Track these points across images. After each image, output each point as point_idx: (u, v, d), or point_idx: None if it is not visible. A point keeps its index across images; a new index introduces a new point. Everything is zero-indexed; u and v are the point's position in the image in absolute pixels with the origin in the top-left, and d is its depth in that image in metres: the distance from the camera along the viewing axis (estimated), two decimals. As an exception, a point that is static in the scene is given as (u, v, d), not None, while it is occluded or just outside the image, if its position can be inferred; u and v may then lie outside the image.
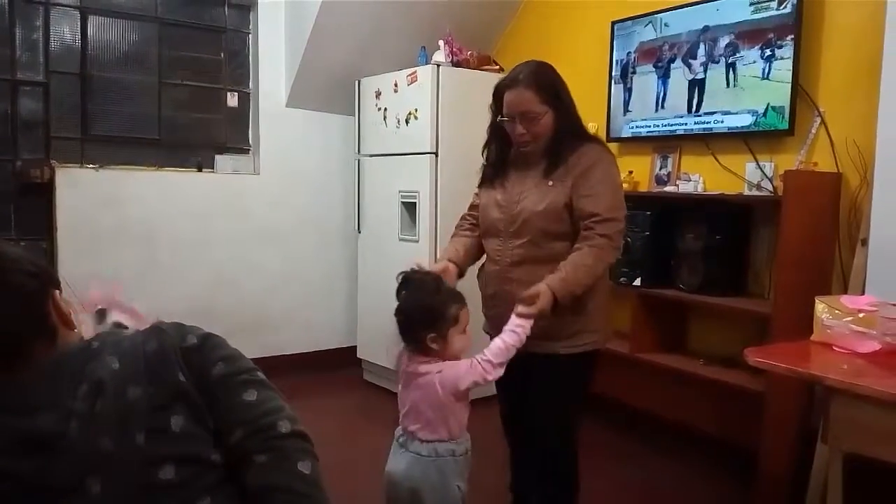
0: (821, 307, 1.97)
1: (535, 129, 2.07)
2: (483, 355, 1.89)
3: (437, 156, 3.72)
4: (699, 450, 3.19)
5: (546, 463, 2.19)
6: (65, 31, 3.81)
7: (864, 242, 2.52)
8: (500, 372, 1.90)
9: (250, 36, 4.37)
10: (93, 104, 3.90)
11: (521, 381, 2.11)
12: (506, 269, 2.10)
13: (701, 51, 3.16)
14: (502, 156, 2.20)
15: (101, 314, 1.61)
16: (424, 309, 1.89)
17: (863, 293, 2.35)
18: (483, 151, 2.27)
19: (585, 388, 2.19)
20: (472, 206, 2.32)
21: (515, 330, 1.90)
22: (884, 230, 2.39)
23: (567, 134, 2.10)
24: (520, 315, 1.91)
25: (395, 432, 1.99)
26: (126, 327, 1.35)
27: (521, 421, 2.24)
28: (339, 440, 3.23)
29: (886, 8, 2.40)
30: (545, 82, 2.10)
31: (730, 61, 3.04)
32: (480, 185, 2.26)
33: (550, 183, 2.07)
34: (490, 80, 3.96)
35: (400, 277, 1.97)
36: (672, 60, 3.30)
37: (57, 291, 1.09)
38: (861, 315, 1.88)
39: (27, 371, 1.01)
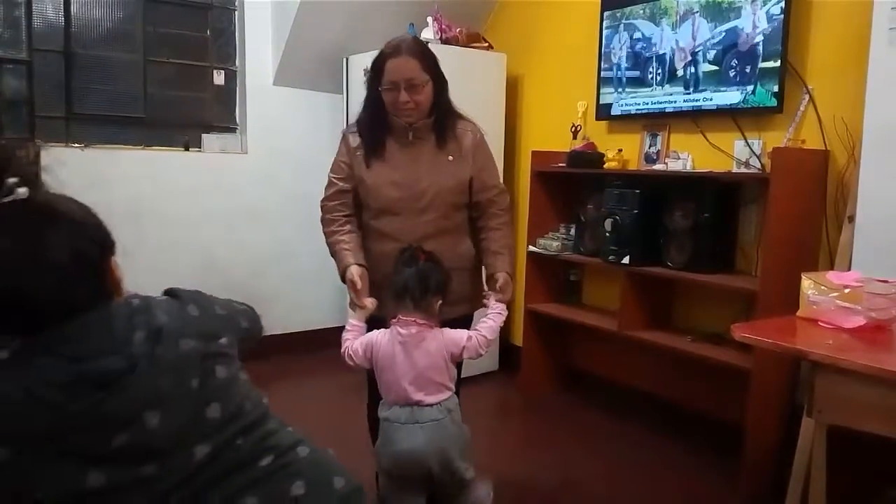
0: (807, 283, 1.98)
1: (417, 97, 2.10)
2: (479, 332, 2.08)
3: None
4: (687, 426, 3.22)
5: None
6: (47, 7, 3.75)
7: (851, 219, 2.54)
8: (490, 347, 2.12)
9: (236, 13, 4.32)
10: (77, 82, 3.85)
11: None
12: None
13: (692, 25, 3.15)
14: (378, 134, 2.19)
15: None
16: (445, 278, 2.07)
17: (849, 270, 2.37)
18: (354, 129, 2.24)
19: None
20: (340, 193, 2.25)
21: (501, 313, 2.18)
22: (870, 207, 2.41)
23: (447, 108, 2.20)
24: (500, 301, 2.18)
25: (386, 413, 2.04)
26: None
27: None
28: (333, 419, 3.24)
29: (875, -15, 2.40)
30: (427, 52, 2.16)
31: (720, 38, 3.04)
32: (367, 165, 2.19)
33: (450, 158, 2.19)
34: (479, 57, 3.97)
35: (408, 251, 2.09)
36: (663, 35, 3.28)
37: (113, 258, 1.19)
38: (847, 291, 1.89)
39: (83, 325, 1.08)
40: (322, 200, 2.29)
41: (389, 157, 2.19)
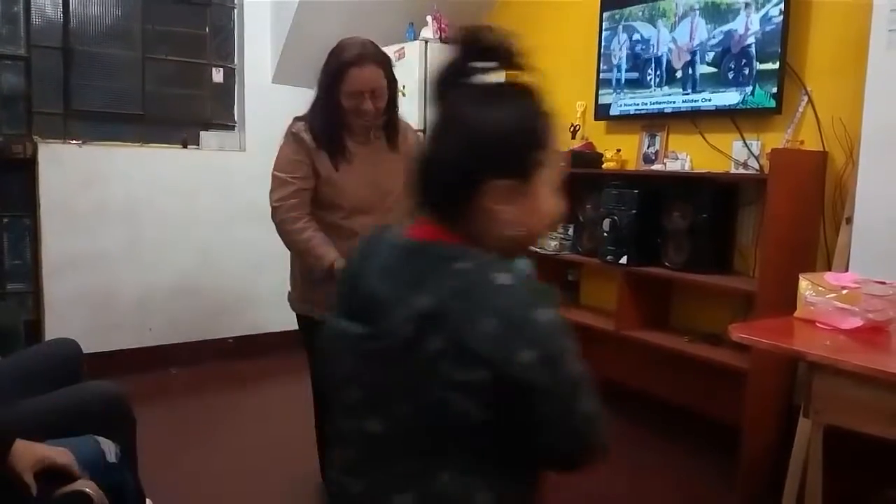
0: (805, 284, 1.98)
1: (379, 104, 2.14)
2: None
3: (425, 133, 3.70)
4: (684, 426, 3.23)
5: None
6: (46, 4, 3.74)
7: (849, 221, 2.54)
8: None
9: (235, 10, 4.31)
10: (75, 79, 3.84)
11: None
12: None
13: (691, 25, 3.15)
14: (339, 135, 2.19)
15: None
16: None
17: (846, 271, 2.38)
18: (304, 128, 2.21)
19: None
20: (300, 192, 2.19)
21: None
22: (868, 209, 2.41)
23: (395, 108, 2.24)
24: None
25: None
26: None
27: None
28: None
29: (874, -13, 2.40)
30: (386, 58, 2.18)
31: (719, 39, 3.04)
32: (335, 166, 2.19)
33: (402, 156, 2.23)
34: (478, 56, 3.96)
35: None
36: (662, 36, 3.29)
37: (502, 183, 0.98)
38: (844, 292, 1.89)
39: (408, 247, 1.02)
40: (277, 199, 2.20)
41: (353, 157, 2.21)
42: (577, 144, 3.63)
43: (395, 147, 2.27)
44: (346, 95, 2.12)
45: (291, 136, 2.23)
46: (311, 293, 2.28)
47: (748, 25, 2.91)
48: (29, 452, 1.47)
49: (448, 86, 1.03)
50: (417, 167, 1.04)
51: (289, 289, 2.46)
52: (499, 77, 1.02)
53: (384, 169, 2.23)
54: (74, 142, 3.76)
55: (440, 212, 1.02)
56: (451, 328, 0.89)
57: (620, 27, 3.47)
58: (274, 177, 2.23)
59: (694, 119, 3.21)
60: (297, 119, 2.27)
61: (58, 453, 1.51)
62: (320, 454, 2.47)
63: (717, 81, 3.05)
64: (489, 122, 0.99)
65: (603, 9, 3.54)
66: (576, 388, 0.99)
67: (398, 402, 0.96)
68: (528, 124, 1.03)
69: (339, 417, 1.06)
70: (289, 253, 2.39)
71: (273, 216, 2.22)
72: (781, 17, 2.79)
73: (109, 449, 1.68)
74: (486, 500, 0.97)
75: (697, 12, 3.11)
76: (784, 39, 2.80)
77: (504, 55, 1.02)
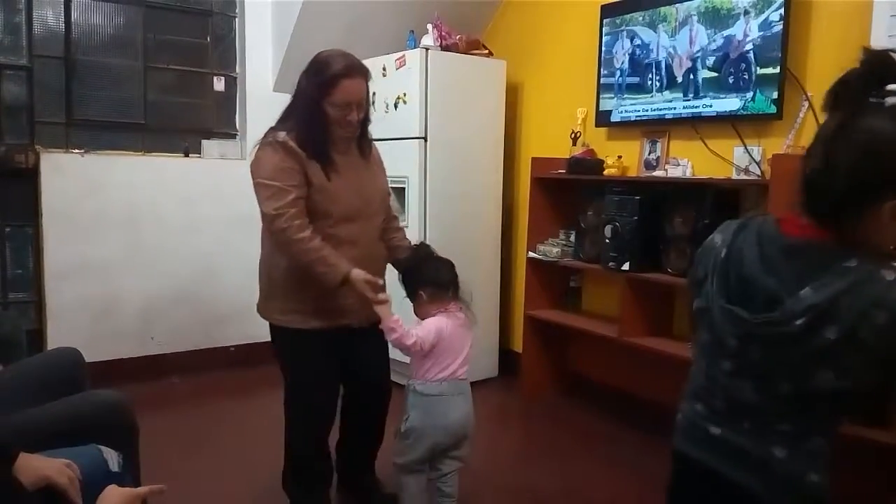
0: (808, 289, 1.98)
1: (361, 115, 2.23)
2: None
3: (426, 140, 3.71)
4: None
5: (384, 403, 2.55)
6: (48, 14, 3.76)
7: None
8: None
9: (237, 19, 4.33)
10: (78, 89, 3.86)
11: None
12: (370, 250, 2.30)
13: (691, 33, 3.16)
14: (326, 145, 2.21)
15: None
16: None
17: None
18: (288, 138, 2.18)
19: None
20: (297, 201, 2.15)
21: None
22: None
23: (367, 120, 2.32)
24: None
25: (439, 389, 2.21)
26: None
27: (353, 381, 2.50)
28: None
29: (874, -8, 2.41)
30: (367, 70, 2.24)
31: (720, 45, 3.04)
32: (326, 175, 2.20)
33: (373, 166, 2.38)
34: (479, 64, 3.98)
35: (425, 248, 2.41)
36: (662, 41, 3.29)
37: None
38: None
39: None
40: (276, 208, 2.13)
41: (338, 166, 2.24)
42: (578, 151, 3.63)
43: (367, 157, 2.36)
44: (334, 106, 2.15)
45: (279, 144, 2.17)
46: (301, 305, 2.26)
47: (748, 31, 2.91)
48: (31, 470, 1.46)
49: (856, 101, 1.11)
50: (811, 172, 1.11)
51: (257, 299, 2.42)
52: None
53: (364, 178, 2.32)
54: (76, 151, 3.77)
55: (829, 216, 1.09)
56: (845, 321, 1.00)
57: (621, 33, 3.47)
58: (265, 185, 2.16)
59: (695, 125, 3.21)
60: (273, 129, 2.24)
61: (60, 468, 1.50)
62: (287, 466, 2.48)
63: (718, 87, 3.05)
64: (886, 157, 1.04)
65: (604, 15, 3.55)
66: None
67: (780, 380, 1.09)
68: None
69: (705, 376, 1.26)
70: (259, 261, 2.41)
71: (272, 225, 2.15)
72: (781, 22, 2.80)
73: (112, 458, 1.67)
74: (824, 452, 1.15)
75: (697, 18, 3.11)
76: (784, 44, 2.80)
77: None
